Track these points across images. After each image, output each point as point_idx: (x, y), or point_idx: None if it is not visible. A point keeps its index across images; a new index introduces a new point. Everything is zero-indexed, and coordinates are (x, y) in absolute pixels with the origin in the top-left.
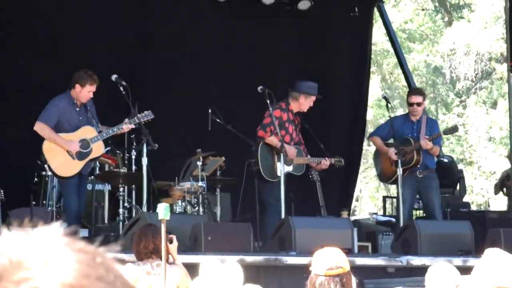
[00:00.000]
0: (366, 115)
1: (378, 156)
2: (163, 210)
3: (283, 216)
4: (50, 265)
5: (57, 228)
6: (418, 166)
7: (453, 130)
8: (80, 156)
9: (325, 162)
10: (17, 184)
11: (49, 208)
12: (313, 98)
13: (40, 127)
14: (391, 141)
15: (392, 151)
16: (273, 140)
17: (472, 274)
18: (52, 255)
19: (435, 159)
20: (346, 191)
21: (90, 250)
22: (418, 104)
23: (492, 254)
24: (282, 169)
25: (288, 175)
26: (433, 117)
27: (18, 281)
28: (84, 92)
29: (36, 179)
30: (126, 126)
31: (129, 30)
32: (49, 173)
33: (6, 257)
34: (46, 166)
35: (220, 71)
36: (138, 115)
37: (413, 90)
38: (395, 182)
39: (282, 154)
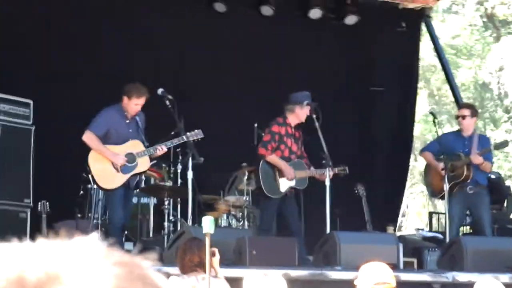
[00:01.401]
0: (413, 131)
1: (429, 171)
2: (208, 223)
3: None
4: (86, 279)
5: (96, 239)
6: (468, 181)
7: (503, 145)
8: (124, 169)
9: (328, 173)
10: (63, 196)
11: (95, 220)
12: (309, 106)
13: (88, 137)
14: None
15: (441, 165)
16: (274, 159)
17: None
18: (89, 268)
19: (487, 175)
20: (393, 206)
21: (128, 262)
22: (463, 117)
23: None
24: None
25: (294, 190)
26: (481, 133)
27: None
28: (131, 105)
29: (81, 192)
30: (161, 148)
31: (174, 45)
32: (95, 186)
33: (42, 270)
34: (90, 176)
35: (265, 85)
36: (188, 133)
37: (461, 104)
38: (444, 197)
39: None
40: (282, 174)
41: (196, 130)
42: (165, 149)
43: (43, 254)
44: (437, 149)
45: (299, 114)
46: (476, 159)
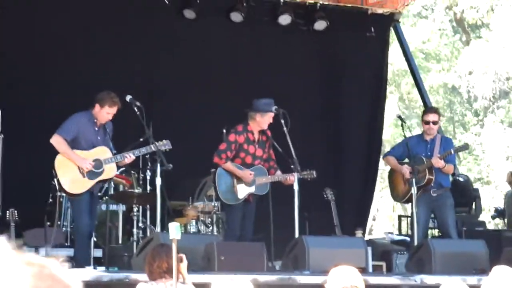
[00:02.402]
0: (382, 135)
1: (392, 175)
2: (174, 229)
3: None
4: (3, 278)
5: (5, 241)
6: (432, 185)
7: (463, 148)
8: (91, 175)
9: (291, 178)
10: (32, 205)
11: (64, 228)
12: (271, 114)
13: (56, 140)
14: (406, 160)
15: (405, 169)
16: (228, 166)
17: None
18: (5, 268)
19: (450, 177)
20: (362, 210)
21: (37, 262)
22: (434, 123)
23: (500, 272)
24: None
25: (255, 196)
26: (451, 137)
27: None
28: (103, 113)
29: (50, 200)
30: (128, 156)
31: (143, 51)
32: (62, 185)
33: None
34: (55, 180)
35: (233, 91)
36: (156, 143)
37: (429, 109)
38: (408, 201)
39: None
40: (240, 181)
41: (164, 141)
42: (133, 157)
43: None
44: (400, 153)
45: (260, 121)
46: (437, 162)
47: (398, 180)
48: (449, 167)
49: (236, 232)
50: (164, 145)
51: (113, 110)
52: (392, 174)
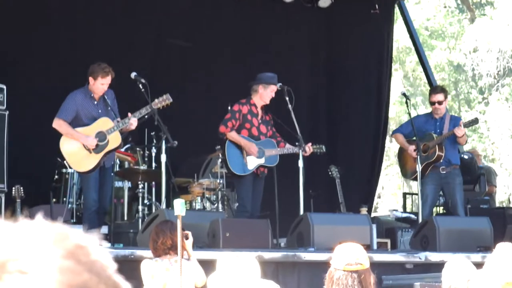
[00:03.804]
0: (388, 113)
1: (402, 153)
2: (179, 206)
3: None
4: (32, 271)
5: (45, 223)
6: (441, 161)
7: (473, 122)
8: (97, 149)
9: (310, 148)
10: (38, 181)
11: (69, 205)
12: (273, 87)
13: (57, 124)
14: (414, 138)
15: (412, 148)
16: (233, 136)
17: (484, 269)
18: (36, 259)
19: (459, 155)
20: (368, 188)
21: (75, 251)
22: (440, 103)
23: (504, 249)
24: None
25: (263, 174)
26: (456, 114)
27: None
28: (98, 85)
29: (56, 177)
30: (133, 120)
31: (147, 27)
32: (69, 170)
33: None
34: (65, 162)
35: (237, 69)
36: (156, 100)
37: (434, 88)
38: (417, 178)
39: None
40: (248, 152)
41: (164, 95)
42: (135, 120)
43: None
44: (408, 130)
45: (262, 94)
46: (460, 130)
47: (407, 157)
48: (464, 138)
49: (248, 208)
50: (164, 99)
51: (107, 80)
52: (401, 151)
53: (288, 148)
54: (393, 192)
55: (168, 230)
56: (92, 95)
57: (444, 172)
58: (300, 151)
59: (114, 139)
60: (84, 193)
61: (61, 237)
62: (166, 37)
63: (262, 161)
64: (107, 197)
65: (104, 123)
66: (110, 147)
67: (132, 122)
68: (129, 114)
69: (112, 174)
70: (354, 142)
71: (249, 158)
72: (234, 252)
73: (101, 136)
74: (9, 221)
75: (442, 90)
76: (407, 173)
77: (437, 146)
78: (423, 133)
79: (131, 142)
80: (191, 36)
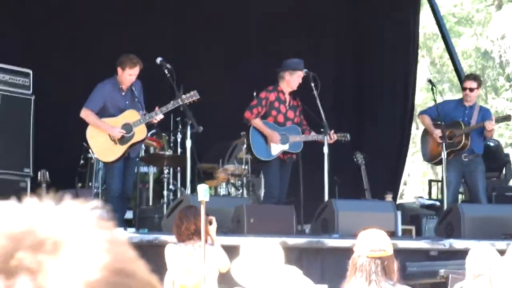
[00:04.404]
0: (414, 99)
1: (426, 135)
2: (202, 191)
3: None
4: (83, 250)
5: (93, 208)
6: (465, 150)
7: (505, 119)
8: (122, 140)
9: (334, 136)
10: (63, 166)
11: (95, 190)
12: (300, 73)
13: (85, 114)
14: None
15: (437, 132)
16: (257, 123)
17: (506, 256)
18: (87, 240)
19: (483, 145)
20: (393, 174)
21: (108, 227)
22: (471, 90)
23: None
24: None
25: (290, 159)
26: (483, 102)
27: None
28: (126, 76)
29: (82, 162)
30: (158, 116)
31: (173, 13)
32: (95, 155)
33: (44, 232)
34: (90, 151)
35: (264, 55)
36: (183, 96)
37: (469, 75)
38: (438, 163)
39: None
40: (271, 140)
41: (191, 92)
42: (161, 115)
43: (45, 217)
44: (435, 114)
45: (289, 80)
46: (490, 124)
47: (431, 141)
48: (492, 131)
49: (275, 194)
50: (191, 96)
51: (135, 71)
52: (426, 132)
53: (313, 136)
54: (420, 179)
55: (191, 215)
56: (120, 86)
57: (466, 159)
58: (325, 137)
59: (140, 132)
60: (107, 182)
61: (101, 221)
62: (190, 22)
63: (286, 147)
64: (130, 184)
65: (131, 115)
66: (135, 139)
67: (158, 116)
68: (157, 108)
69: (137, 161)
70: (380, 129)
71: (273, 144)
72: (259, 238)
73: (127, 128)
74: (49, 201)
75: (476, 78)
76: (427, 155)
77: (464, 135)
78: (451, 119)
79: (156, 127)
80: (216, 22)
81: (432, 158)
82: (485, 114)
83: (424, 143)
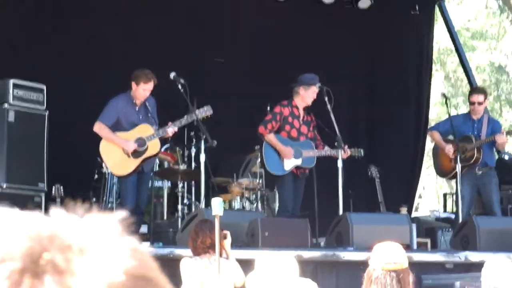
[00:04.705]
0: (428, 113)
1: (437, 151)
2: (217, 205)
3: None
4: (106, 256)
5: (115, 218)
6: (478, 163)
7: None
8: (135, 154)
9: (348, 151)
10: (77, 181)
11: (109, 204)
12: (314, 88)
13: (98, 127)
14: (451, 137)
15: (449, 148)
16: (271, 139)
17: None
18: (110, 247)
19: (496, 157)
20: (408, 188)
21: (139, 246)
22: (479, 104)
23: None
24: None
25: (304, 174)
26: (497, 115)
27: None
28: (140, 90)
29: (96, 176)
30: (171, 130)
31: (188, 29)
32: (109, 170)
33: (68, 238)
34: (104, 165)
35: (277, 69)
36: (197, 110)
37: (474, 89)
38: (452, 177)
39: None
40: (283, 157)
41: (205, 106)
42: (175, 129)
43: (71, 224)
44: (446, 129)
45: (304, 96)
46: (502, 138)
47: (443, 156)
48: (505, 144)
49: (289, 208)
50: (205, 111)
51: (149, 86)
52: (436, 149)
53: (326, 151)
54: (434, 193)
55: (207, 229)
56: (134, 101)
57: (480, 172)
58: (340, 151)
59: (154, 146)
60: (121, 196)
61: (126, 231)
62: (204, 37)
63: (299, 162)
64: (144, 199)
65: (144, 130)
66: (148, 153)
67: (172, 130)
68: (170, 122)
69: (151, 175)
70: (394, 143)
71: (286, 160)
72: (273, 252)
73: (141, 142)
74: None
75: (483, 91)
76: (441, 171)
77: (475, 149)
78: (461, 134)
79: (170, 142)
80: (230, 36)
81: (445, 174)
82: (494, 126)
83: (436, 159)
